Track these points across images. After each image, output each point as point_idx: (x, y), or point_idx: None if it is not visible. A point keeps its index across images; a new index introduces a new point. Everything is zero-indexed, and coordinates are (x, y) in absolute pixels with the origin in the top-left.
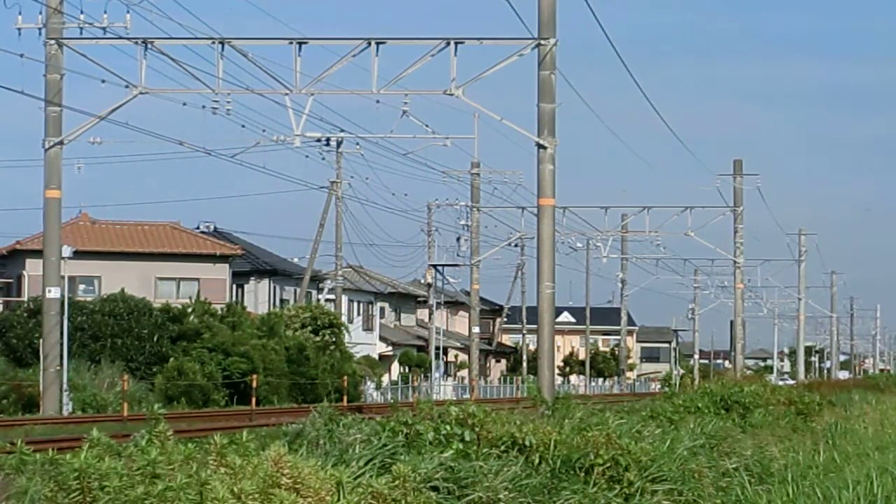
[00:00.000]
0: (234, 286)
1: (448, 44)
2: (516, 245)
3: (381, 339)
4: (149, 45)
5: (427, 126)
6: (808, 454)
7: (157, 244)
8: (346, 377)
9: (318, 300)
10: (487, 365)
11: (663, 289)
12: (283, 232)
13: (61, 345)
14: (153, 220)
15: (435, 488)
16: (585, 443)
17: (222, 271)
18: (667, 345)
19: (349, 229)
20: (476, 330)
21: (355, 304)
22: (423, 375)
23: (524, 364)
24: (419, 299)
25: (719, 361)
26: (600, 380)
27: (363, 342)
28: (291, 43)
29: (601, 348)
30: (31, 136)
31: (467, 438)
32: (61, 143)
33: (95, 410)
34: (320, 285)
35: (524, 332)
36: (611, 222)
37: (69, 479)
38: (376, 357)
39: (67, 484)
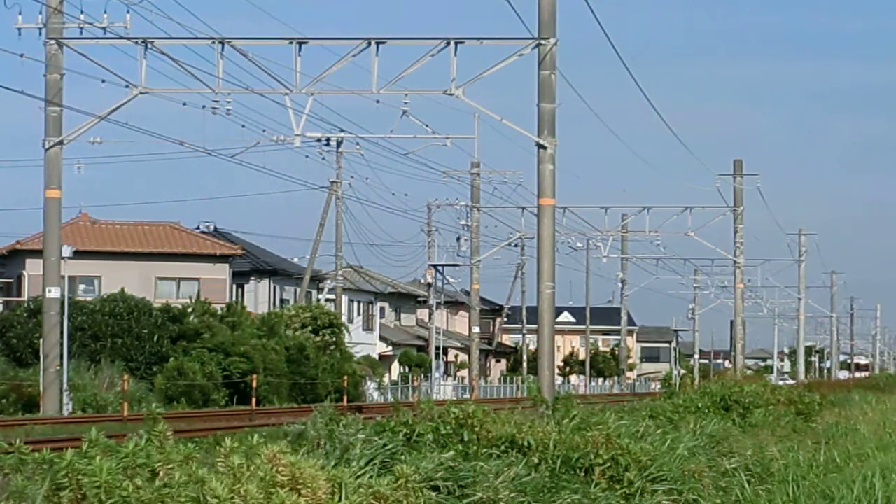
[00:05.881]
0: (234, 286)
1: (448, 44)
2: (516, 245)
3: (382, 339)
4: (149, 45)
5: (427, 126)
6: (808, 454)
7: (157, 244)
8: (346, 377)
9: (318, 300)
10: (487, 365)
11: (663, 289)
12: (283, 232)
13: (61, 345)
14: (153, 220)
15: (436, 488)
16: (585, 443)
17: (222, 271)
18: (667, 345)
19: (349, 229)
20: (476, 330)
21: (355, 304)
22: (423, 375)
23: (524, 364)
24: (419, 299)
25: (719, 361)
26: (600, 380)
27: (363, 342)
28: (291, 43)
29: (601, 348)
30: (31, 136)
31: (466, 438)
32: (61, 143)
33: (95, 410)
34: (320, 285)
35: (524, 332)
36: (611, 222)
37: (60, 477)
38: (376, 357)
39: (61, 482)
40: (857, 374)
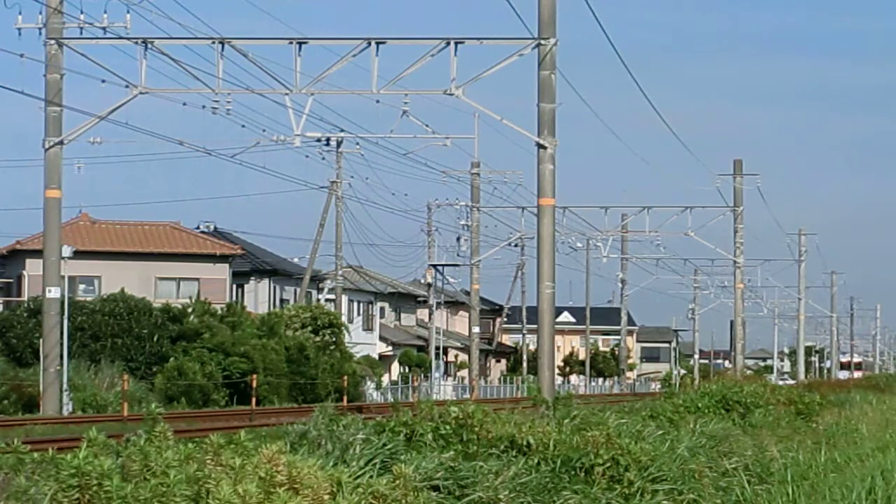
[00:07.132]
0: (234, 286)
1: (448, 44)
2: (516, 245)
3: (381, 339)
4: (149, 45)
5: (427, 126)
6: (808, 454)
7: (157, 244)
8: (346, 377)
9: (318, 300)
10: (487, 365)
11: (663, 289)
12: (283, 232)
13: (61, 345)
14: (153, 220)
15: (435, 488)
16: (585, 443)
17: (222, 271)
18: (667, 345)
19: (349, 229)
20: (476, 330)
21: (355, 304)
22: (423, 375)
23: (524, 364)
24: (419, 299)
25: (719, 361)
26: (600, 380)
27: (363, 342)
28: (291, 43)
29: (601, 348)
30: (31, 136)
31: (466, 438)
32: (61, 143)
33: (95, 410)
34: (320, 285)
35: (524, 332)
36: (611, 222)
37: (68, 479)
38: (376, 357)
39: (67, 483)
40: (855, 373)
